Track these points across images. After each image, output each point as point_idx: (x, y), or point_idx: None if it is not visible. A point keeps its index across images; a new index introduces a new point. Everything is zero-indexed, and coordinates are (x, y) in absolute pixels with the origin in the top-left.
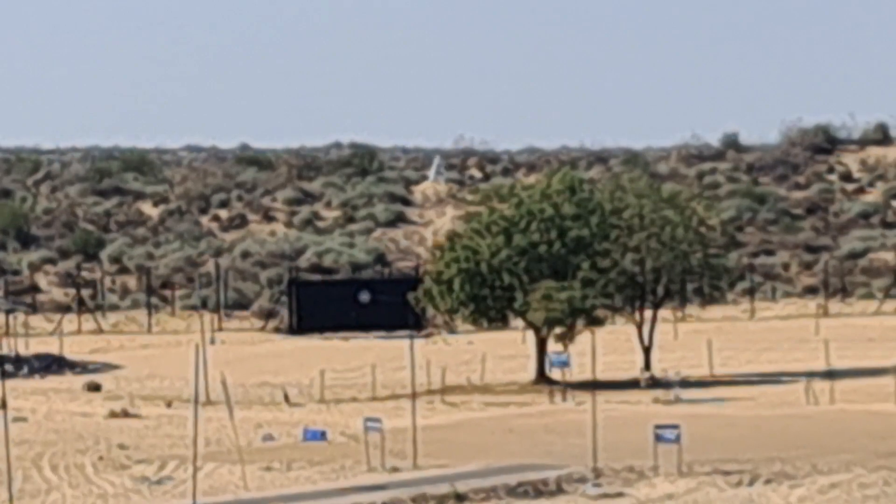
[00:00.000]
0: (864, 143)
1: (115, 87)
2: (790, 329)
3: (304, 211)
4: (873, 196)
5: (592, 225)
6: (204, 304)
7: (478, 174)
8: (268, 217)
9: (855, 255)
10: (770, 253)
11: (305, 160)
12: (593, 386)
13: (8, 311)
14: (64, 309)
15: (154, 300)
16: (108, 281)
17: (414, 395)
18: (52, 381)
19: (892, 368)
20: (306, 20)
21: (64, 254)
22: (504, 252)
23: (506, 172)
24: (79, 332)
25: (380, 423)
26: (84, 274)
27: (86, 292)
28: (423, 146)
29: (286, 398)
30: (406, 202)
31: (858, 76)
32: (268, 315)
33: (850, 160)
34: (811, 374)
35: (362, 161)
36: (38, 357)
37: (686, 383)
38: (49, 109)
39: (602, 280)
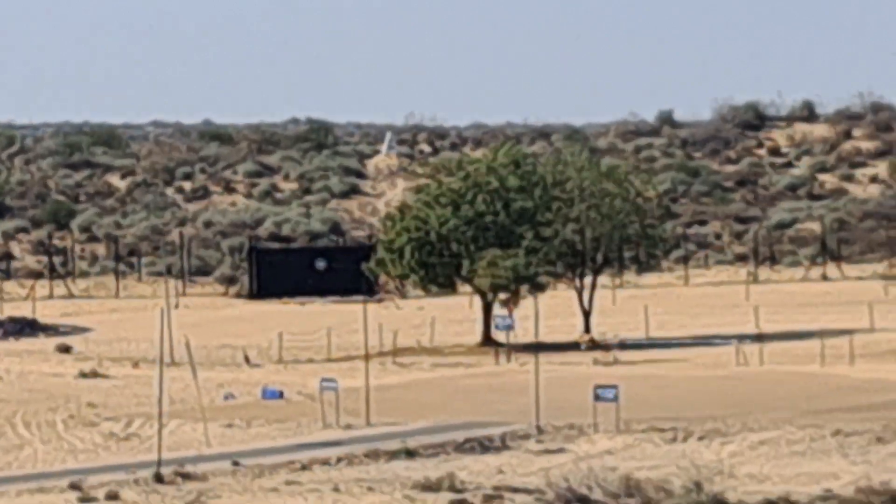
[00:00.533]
0: (791, 119)
1: (85, 65)
2: (722, 295)
3: (264, 183)
4: (800, 170)
5: (535, 197)
6: (169, 271)
7: (427, 149)
8: (229, 189)
9: (783, 226)
10: (703, 223)
11: (264, 135)
12: (536, 348)
13: None
14: (36, 275)
15: (122, 267)
16: (78, 249)
17: (367, 357)
18: (25, 343)
19: (818, 332)
20: (265, 2)
21: (36, 223)
22: (452, 222)
23: (453, 147)
24: (50, 296)
25: (335, 383)
26: (55, 242)
27: (57, 260)
28: (375, 122)
29: (246, 359)
30: (359, 175)
31: (786, 56)
32: (229, 281)
33: (779, 136)
34: (742, 337)
35: (318, 136)
36: (13, 320)
37: (624, 346)
38: (21, 86)
39: (545, 248)
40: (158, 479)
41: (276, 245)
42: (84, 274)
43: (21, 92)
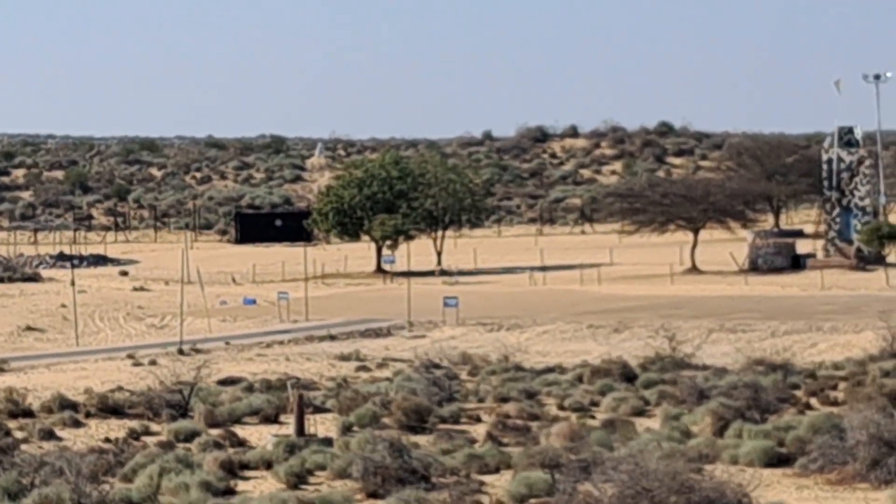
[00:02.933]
0: (563, 136)
1: (135, 97)
2: (521, 243)
3: (244, 174)
4: (568, 167)
5: (408, 182)
6: (186, 226)
7: (343, 153)
8: (223, 177)
9: (558, 200)
10: (509, 199)
11: (244, 144)
12: (408, 274)
13: (75, 229)
14: (106, 228)
15: (158, 224)
16: (131, 213)
17: (306, 279)
18: (99, 270)
19: (578, 265)
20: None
21: (107, 197)
22: (357, 198)
23: (359, 152)
24: (115, 242)
25: (287, 294)
26: (118, 208)
27: (119, 219)
28: (311, 136)
29: (233, 280)
30: (302, 168)
31: (558, 94)
32: (223, 233)
33: (556, 146)
34: (532, 268)
35: (276, 145)
36: (92, 256)
37: (461, 273)
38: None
39: (413, 214)
40: (181, 352)
41: (251, 211)
42: (135, 228)
43: (95, 113)
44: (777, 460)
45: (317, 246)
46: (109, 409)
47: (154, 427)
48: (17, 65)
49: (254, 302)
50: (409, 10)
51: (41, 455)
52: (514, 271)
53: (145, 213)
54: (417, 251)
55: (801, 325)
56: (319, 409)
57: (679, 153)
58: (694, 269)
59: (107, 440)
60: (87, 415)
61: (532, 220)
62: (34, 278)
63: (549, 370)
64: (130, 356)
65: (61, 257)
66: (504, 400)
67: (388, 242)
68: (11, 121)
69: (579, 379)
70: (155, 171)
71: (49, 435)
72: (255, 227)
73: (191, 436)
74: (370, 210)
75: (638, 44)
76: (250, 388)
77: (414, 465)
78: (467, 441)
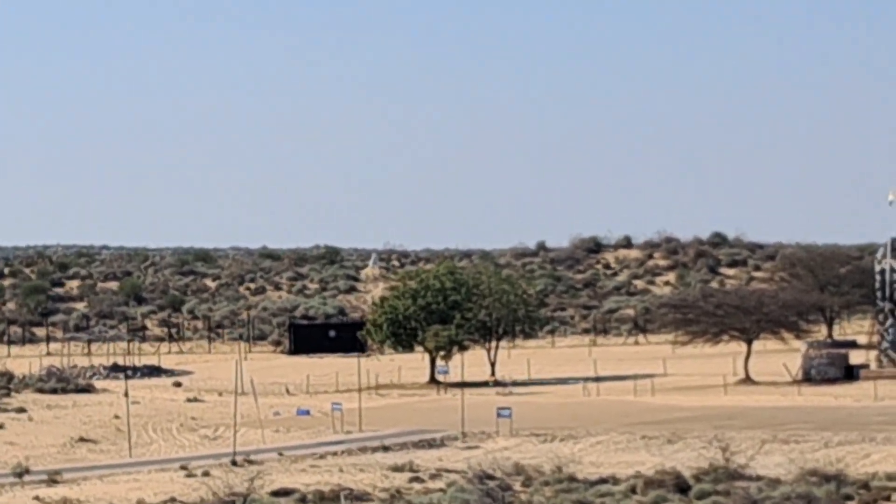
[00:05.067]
0: (616, 246)
1: (190, 212)
2: (574, 354)
3: (298, 284)
4: (622, 277)
5: (462, 293)
6: (240, 337)
7: (397, 264)
8: (277, 287)
9: (611, 311)
10: (563, 309)
11: (298, 255)
12: (462, 385)
13: (129, 340)
14: (160, 339)
15: (212, 335)
16: (185, 323)
17: (360, 390)
18: (153, 381)
19: (632, 376)
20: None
21: (161, 308)
22: (411, 308)
23: (413, 263)
24: (169, 352)
25: (341, 405)
26: (172, 319)
27: (173, 330)
28: (365, 247)
29: (287, 391)
30: (356, 279)
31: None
32: (276, 343)
33: (609, 257)
34: (586, 379)
35: (331, 255)
36: (146, 367)
37: (515, 384)
38: (150, 222)
39: (467, 325)
40: (234, 463)
41: (304, 322)
42: (188, 339)
43: (149, 224)
44: None
45: (370, 356)
46: None
47: None
48: (72, 176)
49: (307, 413)
50: (463, 122)
51: None
52: (568, 382)
53: (199, 324)
54: (471, 362)
55: (855, 435)
56: None
57: (732, 264)
58: (747, 380)
59: None
60: None
61: (585, 331)
62: (87, 389)
63: (603, 481)
64: (183, 467)
65: (115, 368)
66: None
67: (442, 353)
68: (66, 232)
69: (633, 490)
70: (209, 282)
71: None
72: (309, 337)
73: None
74: (424, 321)
75: (693, 154)
76: (303, 500)
77: None
78: None
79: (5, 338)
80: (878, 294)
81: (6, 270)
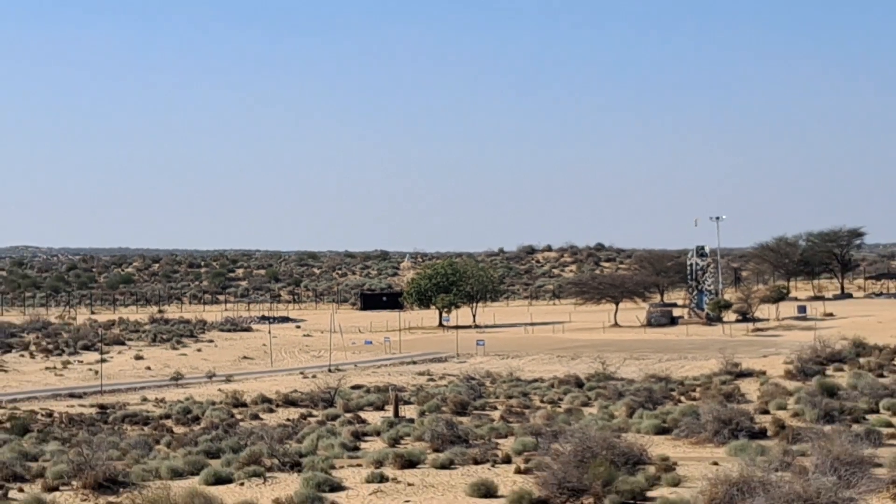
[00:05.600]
0: (543, 250)
1: (306, 220)
2: (519, 310)
3: (365, 271)
4: (546, 268)
5: (457, 276)
6: (334, 301)
7: (421, 260)
8: (353, 273)
9: (540, 286)
10: (513, 286)
11: (366, 255)
12: (456, 328)
13: (271, 302)
14: (289, 302)
15: (317, 300)
16: (303, 293)
17: (399, 330)
18: (284, 325)
19: (551, 323)
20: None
21: (289, 284)
22: (428, 284)
23: (430, 259)
24: (293, 309)
25: (389, 338)
26: (295, 291)
27: (295, 297)
28: (403, 250)
29: (359, 330)
30: (397, 269)
31: (545, 224)
32: (353, 304)
33: (539, 256)
34: (526, 324)
35: (383, 255)
36: (280, 317)
37: (486, 327)
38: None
39: (460, 293)
40: (329, 370)
41: (369, 292)
42: (304, 302)
43: (281, 234)
44: (662, 430)
45: (405, 311)
46: (290, 402)
47: (314, 412)
48: (240, 193)
49: (370, 342)
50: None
51: (251, 428)
52: (516, 326)
53: (310, 294)
54: (462, 314)
55: (676, 356)
56: (406, 402)
57: (608, 260)
58: (616, 325)
59: (288, 420)
60: (277, 405)
61: (525, 298)
62: (248, 329)
63: (535, 380)
64: (301, 373)
65: (263, 318)
66: (509, 397)
67: (445, 309)
68: (229, 238)
69: (552, 385)
70: (315, 270)
71: (255, 417)
72: (371, 301)
73: (335, 417)
74: (435, 291)
75: (585, 191)
76: (368, 391)
77: (459, 433)
78: (489, 420)
79: (202, 300)
80: (689, 278)
81: (202, 263)
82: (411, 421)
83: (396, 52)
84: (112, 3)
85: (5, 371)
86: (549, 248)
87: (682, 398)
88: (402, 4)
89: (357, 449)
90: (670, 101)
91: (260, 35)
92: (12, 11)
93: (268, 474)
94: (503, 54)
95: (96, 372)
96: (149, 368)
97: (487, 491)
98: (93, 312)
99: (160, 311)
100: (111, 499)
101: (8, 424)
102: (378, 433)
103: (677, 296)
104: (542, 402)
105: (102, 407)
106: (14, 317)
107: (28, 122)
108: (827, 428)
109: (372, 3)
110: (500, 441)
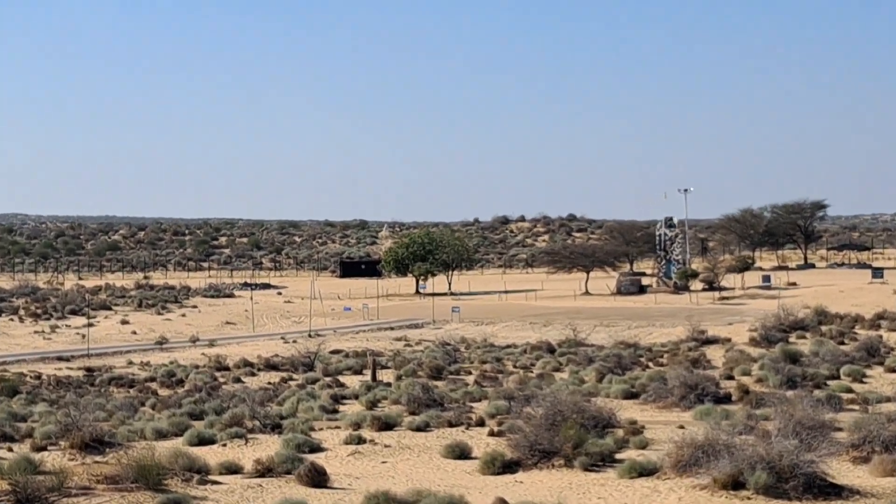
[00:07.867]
0: (517, 221)
1: (285, 190)
2: (493, 278)
3: (345, 240)
4: (519, 237)
5: (433, 245)
6: (314, 268)
7: (398, 229)
8: (333, 241)
9: (514, 256)
10: (487, 255)
11: (346, 224)
12: (433, 294)
13: (252, 270)
14: (270, 269)
15: (298, 267)
16: (284, 260)
17: (378, 297)
18: (266, 292)
19: (524, 290)
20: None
21: (270, 252)
22: (406, 253)
23: (407, 228)
24: (274, 276)
25: (367, 305)
26: (276, 258)
27: (277, 264)
28: (381, 220)
29: (338, 297)
30: (375, 237)
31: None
32: (333, 272)
33: (513, 226)
34: (500, 292)
35: (363, 225)
36: (262, 284)
37: (461, 294)
38: (264, 200)
39: (436, 262)
40: (309, 335)
41: (348, 259)
42: (285, 269)
43: (263, 203)
44: (630, 395)
45: (383, 279)
46: (271, 366)
47: (295, 376)
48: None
49: (350, 309)
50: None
51: (233, 391)
52: (490, 293)
53: (292, 261)
54: (437, 282)
55: (644, 322)
56: (384, 367)
57: (580, 230)
58: (587, 293)
59: (269, 383)
60: (259, 369)
61: (500, 266)
62: (231, 295)
63: (508, 346)
64: (282, 338)
65: (245, 285)
66: (483, 362)
67: (422, 277)
68: (212, 207)
69: (524, 351)
70: (297, 238)
71: (237, 380)
72: (350, 268)
73: (314, 381)
74: (412, 259)
75: (558, 165)
76: (347, 355)
77: (435, 397)
78: (464, 384)
79: (186, 267)
80: (657, 248)
81: (186, 231)
82: (388, 385)
83: (375, 25)
84: None
85: None
86: (522, 219)
87: (650, 364)
88: None
89: (336, 412)
90: (641, 75)
91: (244, 7)
92: None
93: (249, 436)
94: (475, 28)
95: (83, 336)
96: (134, 333)
97: (462, 452)
98: (80, 278)
99: (146, 278)
100: (97, 458)
101: None
102: (356, 396)
103: (646, 265)
104: (514, 367)
105: (89, 370)
106: (4, 282)
107: (16, 93)
108: (789, 393)
109: None
110: (474, 405)
